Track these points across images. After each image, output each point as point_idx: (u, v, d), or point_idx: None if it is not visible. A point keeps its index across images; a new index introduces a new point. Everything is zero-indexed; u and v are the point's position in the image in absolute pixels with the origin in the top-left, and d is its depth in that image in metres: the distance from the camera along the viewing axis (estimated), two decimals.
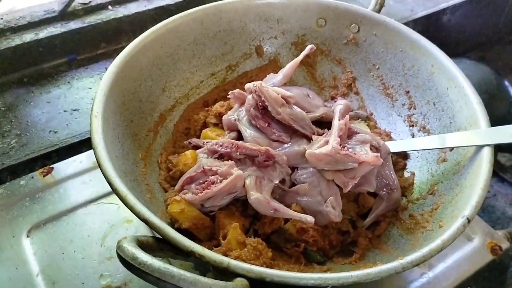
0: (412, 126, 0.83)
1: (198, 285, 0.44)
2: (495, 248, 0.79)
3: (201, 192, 0.65)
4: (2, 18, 1.07)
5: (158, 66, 0.83)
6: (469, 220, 0.57)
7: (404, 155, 0.82)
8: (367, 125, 0.85)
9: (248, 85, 0.76)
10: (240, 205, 0.70)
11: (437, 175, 0.74)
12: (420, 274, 0.75)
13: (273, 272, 0.50)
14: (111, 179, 0.57)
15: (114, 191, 0.57)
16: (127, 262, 0.45)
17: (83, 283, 0.72)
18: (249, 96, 0.75)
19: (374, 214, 0.73)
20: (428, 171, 0.76)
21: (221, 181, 0.66)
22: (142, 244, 0.50)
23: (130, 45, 0.78)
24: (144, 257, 0.45)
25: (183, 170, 0.73)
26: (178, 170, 0.74)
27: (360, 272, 0.51)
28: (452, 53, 0.79)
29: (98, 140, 0.62)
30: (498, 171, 1.26)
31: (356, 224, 0.73)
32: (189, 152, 0.75)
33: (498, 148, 1.32)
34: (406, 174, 0.79)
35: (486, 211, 1.15)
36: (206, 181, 0.67)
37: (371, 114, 0.89)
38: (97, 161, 0.60)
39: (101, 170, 0.59)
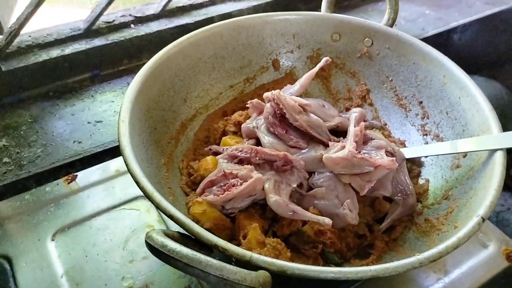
0: (426, 135, 0.85)
1: (224, 271, 0.46)
2: (511, 255, 0.79)
3: (222, 194, 0.68)
4: (30, 36, 1.12)
5: (180, 78, 0.86)
6: (483, 219, 0.58)
7: (418, 163, 0.84)
8: (382, 134, 0.87)
9: (266, 94, 0.79)
10: (259, 208, 0.72)
11: (451, 180, 0.75)
12: (436, 280, 0.76)
13: (294, 265, 0.52)
14: (138, 178, 0.60)
15: (141, 189, 0.59)
16: (156, 250, 0.47)
17: (105, 285, 0.74)
18: (268, 104, 0.78)
19: (390, 219, 0.74)
20: (442, 177, 0.78)
21: (241, 184, 0.68)
22: (168, 237, 0.52)
23: (155, 57, 0.82)
24: (173, 244, 0.47)
25: (204, 174, 0.75)
26: (199, 175, 0.76)
27: (379, 267, 0.53)
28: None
29: (126, 142, 0.65)
30: (511, 185, 1.26)
31: (373, 228, 0.74)
32: (209, 158, 0.77)
33: (511, 165, 1.32)
34: (421, 181, 0.81)
35: (501, 225, 1.15)
36: (227, 183, 0.69)
37: (385, 124, 0.92)
38: (125, 161, 0.63)
39: (128, 170, 0.62)
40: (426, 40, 1.36)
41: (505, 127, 1.30)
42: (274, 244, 0.64)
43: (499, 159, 0.65)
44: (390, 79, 0.92)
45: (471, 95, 0.77)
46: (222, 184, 0.70)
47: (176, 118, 0.85)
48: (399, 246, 0.71)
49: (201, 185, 0.73)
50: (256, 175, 0.69)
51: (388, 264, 0.53)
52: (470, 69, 1.57)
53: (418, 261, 0.53)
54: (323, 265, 0.68)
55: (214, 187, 0.70)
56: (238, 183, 0.69)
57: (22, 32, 1.06)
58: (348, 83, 0.97)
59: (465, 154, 0.75)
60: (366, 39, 0.94)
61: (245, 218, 0.69)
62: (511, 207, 1.21)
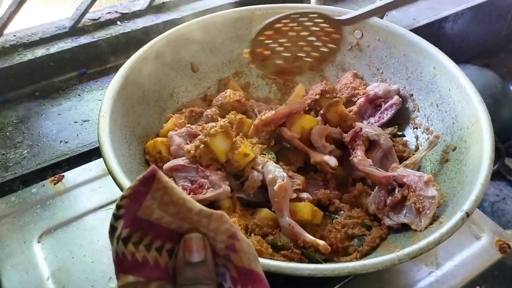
0: (416, 128, 0.84)
1: None
2: (504, 246, 0.78)
3: (191, 194, 0.68)
4: (15, 35, 1.10)
5: (166, 72, 0.85)
6: (468, 214, 0.57)
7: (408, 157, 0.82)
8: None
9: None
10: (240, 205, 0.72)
11: (440, 175, 0.74)
12: (428, 273, 0.75)
13: (269, 262, 0.51)
14: (115, 173, 0.59)
15: (118, 185, 0.58)
16: None
17: (92, 286, 0.73)
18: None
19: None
20: (431, 172, 0.77)
21: (208, 188, 0.68)
22: None
23: (139, 51, 0.80)
24: None
25: (163, 155, 0.77)
26: (154, 156, 0.77)
27: (356, 263, 0.52)
28: (456, 61, 0.80)
29: (105, 138, 0.64)
30: (507, 175, 1.25)
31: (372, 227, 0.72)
32: (156, 140, 0.78)
33: (507, 154, 1.31)
34: None
35: (496, 215, 1.14)
36: (197, 180, 0.69)
37: None
38: (103, 157, 0.62)
39: (106, 165, 0.61)
40: (417, 30, 1.35)
41: (498, 116, 1.29)
42: (255, 242, 0.63)
43: (487, 153, 0.64)
44: (380, 71, 0.90)
45: (461, 86, 0.75)
46: (190, 176, 0.70)
47: (162, 113, 0.84)
48: (385, 242, 0.70)
49: (170, 164, 0.73)
50: (225, 187, 0.69)
51: (367, 261, 0.52)
52: (463, 58, 1.57)
53: (397, 257, 0.52)
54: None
55: (186, 181, 0.71)
56: (206, 186, 0.69)
57: (6, 32, 1.04)
58: (339, 76, 0.95)
59: (454, 148, 0.73)
60: (356, 31, 0.92)
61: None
62: (506, 197, 1.20)
